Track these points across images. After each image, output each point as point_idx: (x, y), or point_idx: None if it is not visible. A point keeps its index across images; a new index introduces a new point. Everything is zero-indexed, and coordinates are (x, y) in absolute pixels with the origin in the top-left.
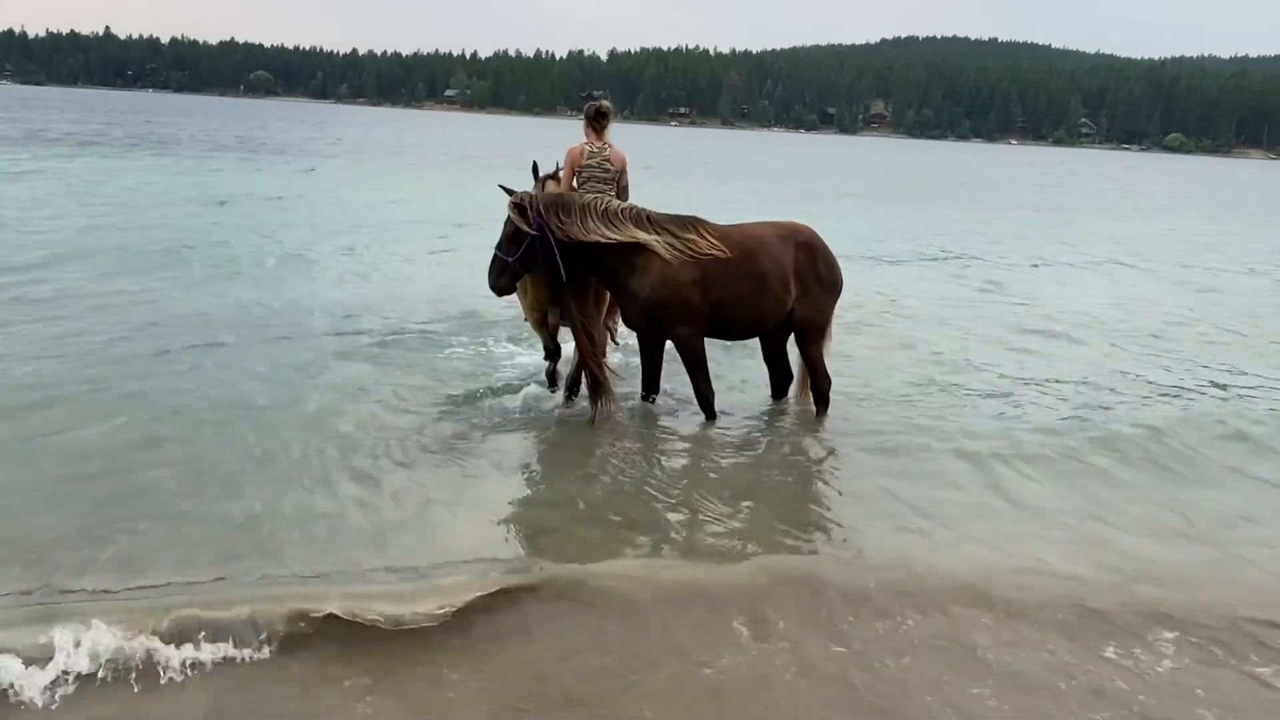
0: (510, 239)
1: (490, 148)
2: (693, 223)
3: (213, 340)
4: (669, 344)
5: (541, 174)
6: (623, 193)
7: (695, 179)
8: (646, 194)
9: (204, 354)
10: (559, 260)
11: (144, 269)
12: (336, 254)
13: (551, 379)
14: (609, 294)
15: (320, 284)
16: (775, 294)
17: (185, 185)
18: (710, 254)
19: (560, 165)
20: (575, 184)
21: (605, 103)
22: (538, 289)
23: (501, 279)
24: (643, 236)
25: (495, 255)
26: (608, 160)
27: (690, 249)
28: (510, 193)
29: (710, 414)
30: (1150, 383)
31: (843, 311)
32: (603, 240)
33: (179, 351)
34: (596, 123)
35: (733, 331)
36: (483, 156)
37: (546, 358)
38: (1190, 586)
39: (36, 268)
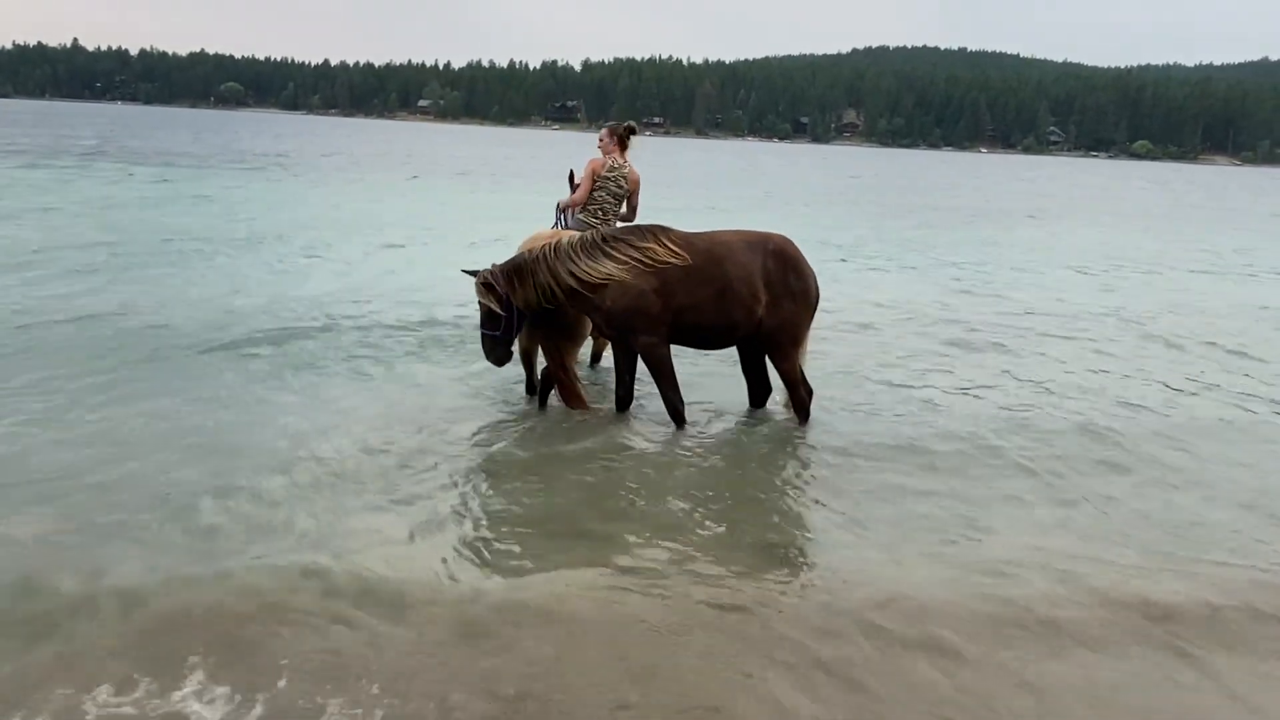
0: (489, 317)
1: (542, 161)
2: (653, 231)
3: None
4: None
5: (577, 182)
6: (632, 212)
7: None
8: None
9: None
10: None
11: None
12: None
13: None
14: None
15: None
16: (742, 301)
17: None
18: (668, 261)
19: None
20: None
21: (631, 123)
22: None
23: (496, 352)
24: (598, 273)
25: (483, 334)
26: (624, 177)
27: (648, 258)
28: (473, 274)
29: (680, 425)
30: None
31: None
32: (549, 300)
33: None
34: (625, 139)
35: (700, 340)
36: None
37: (528, 390)
38: None
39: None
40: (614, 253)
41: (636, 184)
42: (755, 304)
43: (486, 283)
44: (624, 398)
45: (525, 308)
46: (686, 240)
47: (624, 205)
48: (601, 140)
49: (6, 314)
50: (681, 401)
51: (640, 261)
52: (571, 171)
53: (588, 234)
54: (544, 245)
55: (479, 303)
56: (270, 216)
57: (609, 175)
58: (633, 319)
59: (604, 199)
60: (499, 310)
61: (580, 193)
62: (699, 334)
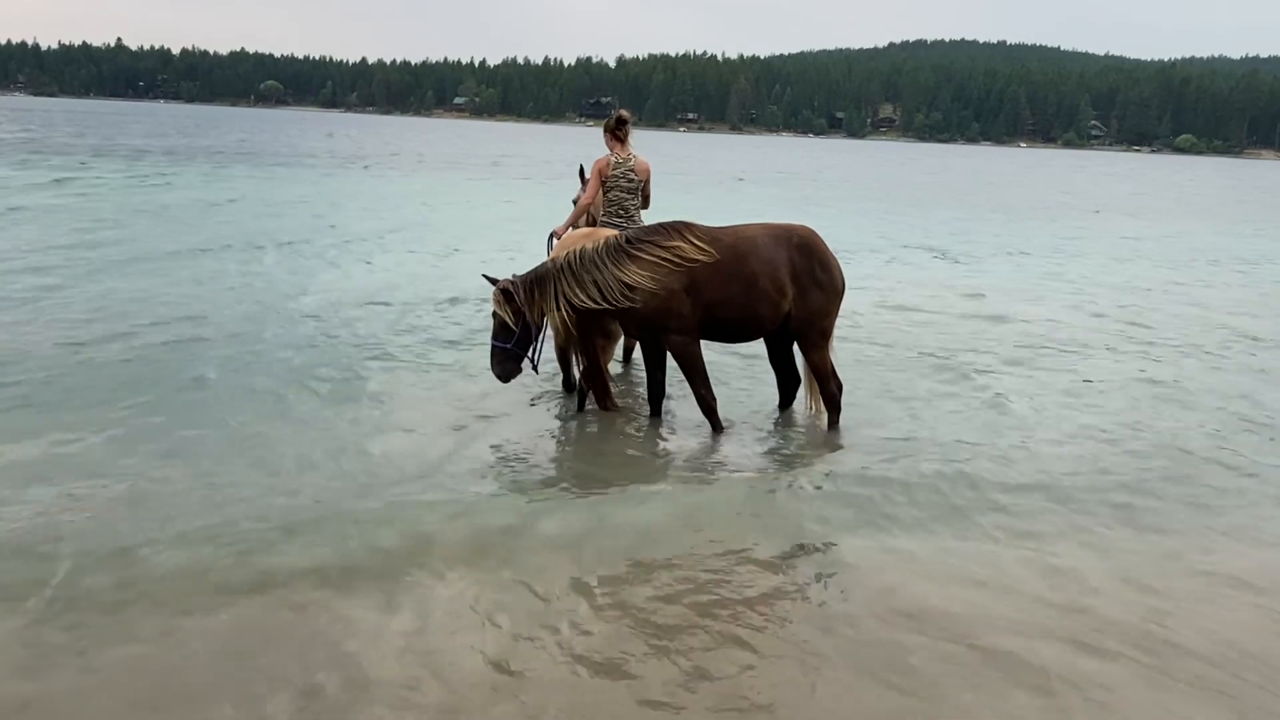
0: (502, 328)
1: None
2: (678, 229)
3: None
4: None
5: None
6: (646, 201)
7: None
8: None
9: None
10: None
11: None
12: None
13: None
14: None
15: None
16: (768, 296)
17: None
18: (697, 259)
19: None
20: (602, 193)
21: (624, 111)
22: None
23: (505, 366)
24: (623, 283)
25: (494, 345)
26: (633, 170)
27: (677, 256)
28: (493, 282)
29: (714, 421)
30: None
31: None
32: (575, 310)
33: None
34: (618, 131)
35: (727, 335)
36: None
37: (565, 387)
38: None
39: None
40: (640, 254)
41: (647, 173)
42: (782, 297)
43: (506, 292)
44: (656, 396)
45: (536, 321)
46: (712, 236)
47: (639, 197)
48: (605, 139)
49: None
50: (714, 398)
51: (669, 261)
52: (581, 167)
53: (611, 239)
54: (568, 253)
55: (493, 312)
56: None
57: (616, 172)
58: (665, 320)
59: (620, 197)
60: (513, 323)
61: (588, 195)
62: (726, 329)
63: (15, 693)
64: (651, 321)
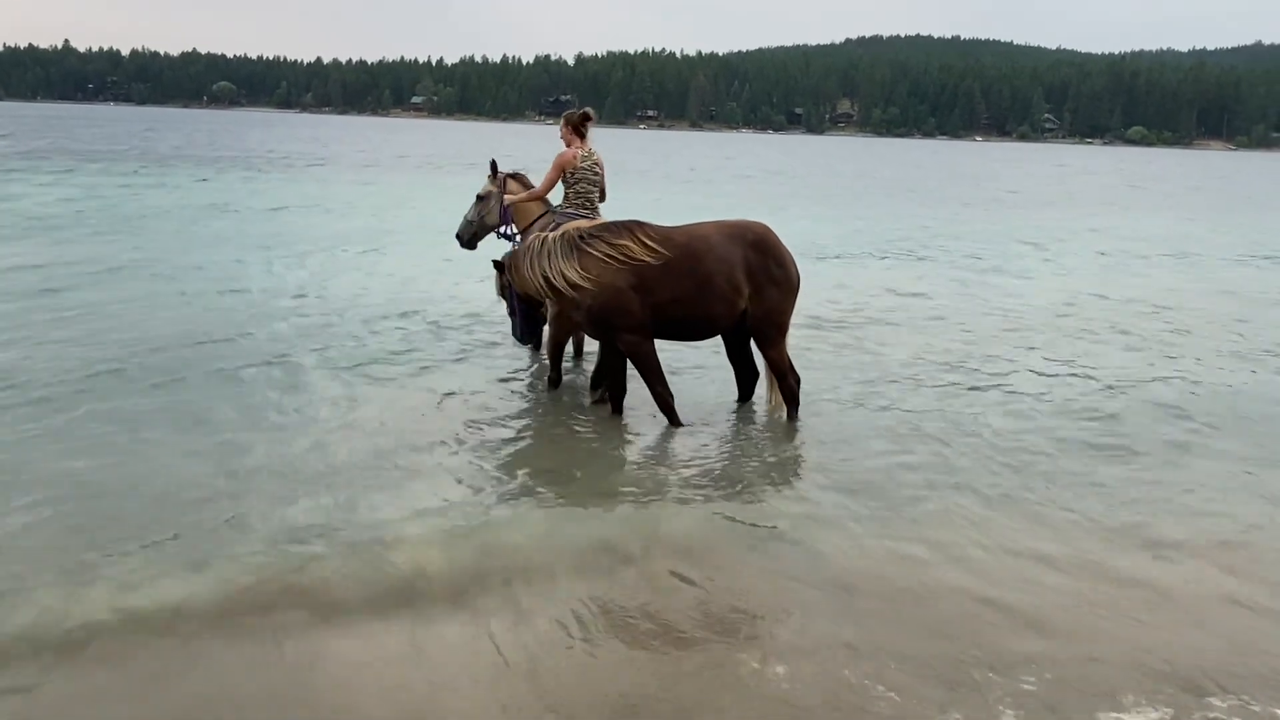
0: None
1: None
2: (629, 227)
3: None
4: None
5: (502, 172)
6: (602, 194)
7: None
8: None
9: None
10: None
11: None
12: None
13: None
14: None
15: None
16: (723, 294)
17: None
18: (643, 258)
19: (512, 171)
20: (565, 186)
21: (589, 109)
22: (561, 319)
23: (516, 334)
24: (564, 277)
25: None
26: (597, 164)
27: (623, 255)
28: (499, 268)
29: (671, 418)
30: None
31: None
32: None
33: None
34: (582, 127)
35: (683, 333)
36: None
37: (550, 385)
38: None
39: None
40: (588, 250)
41: (603, 167)
42: (737, 296)
43: (499, 265)
44: (616, 393)
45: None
46: (664, 235)
47: (599, 189)
48: (563, 133)
49: None
50: (670, 395)
51: (613, 259)
52: (493, 161)
53: (568, 230)
54: (534, 239)
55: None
56: None
57: (584, 165)
58: (613, 317)
59: (586, 189)
60: (500, 292)
61: (544, 184)
62: (682, 328)
63: None
64: (599, 318)
